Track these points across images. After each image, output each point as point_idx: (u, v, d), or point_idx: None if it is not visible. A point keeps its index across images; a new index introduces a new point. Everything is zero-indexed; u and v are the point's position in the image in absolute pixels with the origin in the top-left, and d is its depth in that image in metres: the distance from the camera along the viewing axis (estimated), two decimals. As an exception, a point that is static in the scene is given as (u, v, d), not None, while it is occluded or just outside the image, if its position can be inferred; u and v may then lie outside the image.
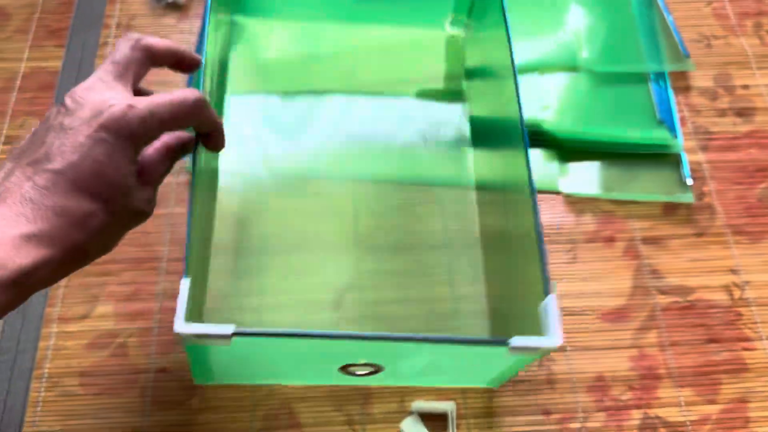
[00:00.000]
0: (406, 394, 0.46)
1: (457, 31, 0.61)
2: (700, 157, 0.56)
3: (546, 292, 0.38)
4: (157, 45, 0.36)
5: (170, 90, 0.34)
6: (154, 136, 0.33)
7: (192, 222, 0.38)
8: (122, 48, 0.35)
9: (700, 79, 0.60)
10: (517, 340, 0.36)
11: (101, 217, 0.32)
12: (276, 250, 0.51)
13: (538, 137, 0.56)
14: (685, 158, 0.55)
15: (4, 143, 0.57)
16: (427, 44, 0.61)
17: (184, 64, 0.38)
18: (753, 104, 0.59)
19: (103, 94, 0.32)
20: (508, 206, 0.43)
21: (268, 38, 0.61)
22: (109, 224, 0.32)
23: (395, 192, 0.54)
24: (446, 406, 0.45)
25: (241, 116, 0.57)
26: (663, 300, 0.50)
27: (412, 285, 0.50)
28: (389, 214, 0.53)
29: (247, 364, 0.43)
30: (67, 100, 0.32)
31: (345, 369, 0.42)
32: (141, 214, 0.35)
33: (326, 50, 0.61)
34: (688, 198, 0.54)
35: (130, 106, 0.32)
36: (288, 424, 0.45)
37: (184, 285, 0.35)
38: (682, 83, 0.60)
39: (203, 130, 0.38)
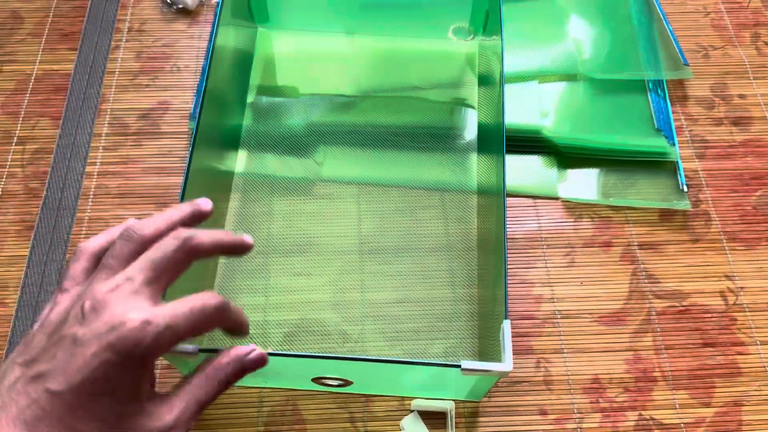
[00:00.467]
0: (406, 392, 0.47)
1: (461, 40, 0.62)
2: (697, 165, 0.57)
3: (504, 315, 0.39)
4: (205, 245, 0.32)
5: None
6: (169, 349, 0.30)
7: None
8: (166, 247, 0.31)
9: (698, 88, 0.61)
10: (468, 364, 0.37)
11: None
12: (281, 251, 0.53)
13: (537, 143, 0.57)
14: (682, 166, 0.57)
15: (17, 144, 0.58)
16: (440, 52, 0.62)
17: (233, 253, 0.35)
18: (749, 114, 0.60)
19: (123, 305, 0.30)
20: (499, 211, 0.45)
21: (280, 45, 0.63)
22: None
23: (399, 195, 0.55)
24: (445, 405, 0.46)
25: (251, 119, 0.59)
26: (659, 304, 0.51)
27: (413, 286, 0.51)
28: (392, 217, 0.54)
29: None
30: (86, 304, 0.30)
31: (317, 380, 0.44)
32: None
33: (337, 58, 0.62)
34: (685, 205, 0.55)
35: (146, 323, 0.29)
36: (293, 420, 0.46)
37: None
38: (679, 92, 0.61)
39: (227, 328, 0.35)
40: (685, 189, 0.55)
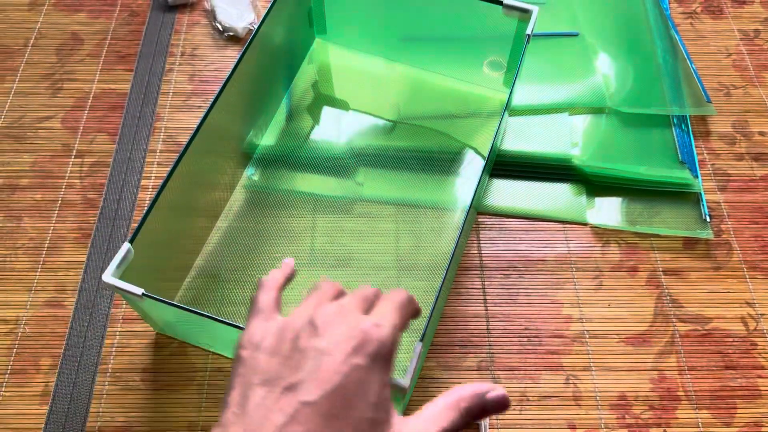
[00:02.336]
0: (441, 402, 0.50)
1: (495, 73, 0.65)
2: (719, 196, 0.60)
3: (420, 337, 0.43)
4: (418, 307, 0.35)
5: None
6: (396, 348, 0.32)
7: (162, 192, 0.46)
8: (393, 297, 0.34)
9: (720, 124, 0.65)
10: None
11: None
12: (324, 264, 0.55)
13: (567, 172, 0.60)
14: (705, 197, 0.59)
15: (76, 156, 0.62)
16: (475, 83, 0.65)
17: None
18: (769, 150, 0.63)
19: (351, 318, 0.31)
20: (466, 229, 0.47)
21: (333, 57, 0.67)
22: None
23: (435, 216, 0.58)
24: (479, 415, 0.49)
25: (293, 138, 0.62)
26: (682, 327, 0.54)
27: (449, 303, 0.54)
28: (428, 236, 0.57)
29: (177, 325, 0.49)
30: (318, 319, 0.31)
31: None
32: None
33: (380, 81, 0.66)
34: (707, 234, 0.58)
35: (378, 325, 0.31)
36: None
37: (123, 249, 0.44)
38: (702, 128, 0.64)
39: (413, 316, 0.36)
40: (708, 219, 0.58)
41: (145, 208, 0.47)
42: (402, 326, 0.33)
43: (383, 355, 0.30)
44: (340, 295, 0.35)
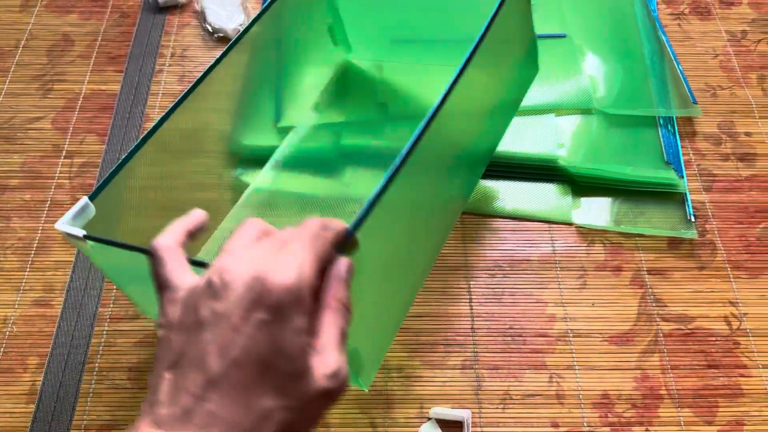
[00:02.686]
0: (425, 401, 0.50)
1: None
2: (704, 197, 0.61)
3: None
4: (341, 233, 0.30)
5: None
6: (314, 283, 0.27)
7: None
8: (307, 227, 0.29)
9: (706, 125, 0.65)
10: None
11: (279, 417, 0.25)
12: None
13: (553, 172, 0.61)
14: (690, 197, 0.60)
15: (65, 157, 0.62)
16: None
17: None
18: (754, 150, 0.63)
19: (251, 263, 0.27)
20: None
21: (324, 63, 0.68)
22: (290, 422, 0.26)
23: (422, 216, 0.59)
24: (462, 413, 0.49)
25: (282, 137, 0.62)
26: (666, 327, 0.54)
27: (434, 302, 0.54)
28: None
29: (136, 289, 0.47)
30: (216, 279, 0.27)
31: None
32: (327, 395, 0.27)
33: (368, 83, 0.66)
34: (692, 234, 0.58)
35: (275, 270, 0.26)
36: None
37: (81, 202, 0.42)
38: (688, 128, 0.65)
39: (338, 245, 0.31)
40: (693, 219, 0.58)
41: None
42: (319, 260, 0.28)
43: (291, 300, 0.26)
44: (264, 236, 0.29)
